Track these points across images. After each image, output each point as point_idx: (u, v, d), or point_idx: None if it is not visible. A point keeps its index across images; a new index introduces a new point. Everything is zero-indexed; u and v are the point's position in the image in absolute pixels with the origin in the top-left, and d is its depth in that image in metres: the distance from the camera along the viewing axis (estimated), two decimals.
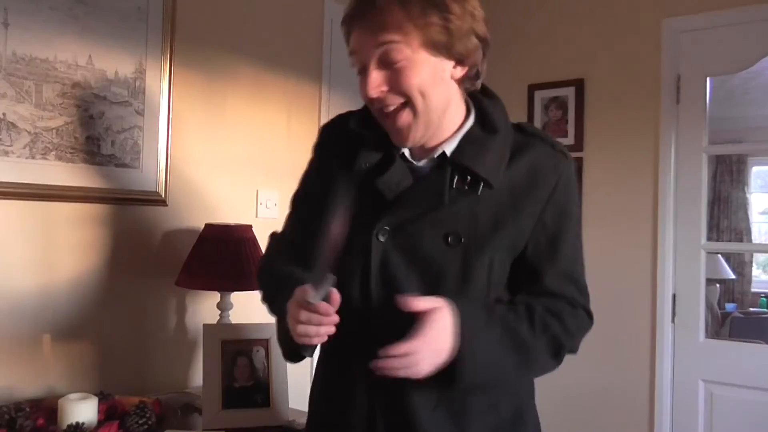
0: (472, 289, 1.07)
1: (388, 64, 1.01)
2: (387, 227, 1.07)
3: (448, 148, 1.08)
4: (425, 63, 1.01)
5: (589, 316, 1.15)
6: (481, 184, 1.05)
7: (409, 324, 0.99)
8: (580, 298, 1.14)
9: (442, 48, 1.01)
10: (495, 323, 1.04)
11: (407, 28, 0.99)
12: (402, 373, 0.97)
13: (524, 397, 1.17)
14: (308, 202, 1.22)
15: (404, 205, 1.07)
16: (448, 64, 1.03)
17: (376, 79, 1.02)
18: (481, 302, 1.07)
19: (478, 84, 1.12)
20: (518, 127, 1.14)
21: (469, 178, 1.06)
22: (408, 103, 1.03)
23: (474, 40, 1.04)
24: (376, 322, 1.08)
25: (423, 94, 1.02)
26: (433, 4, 0.98)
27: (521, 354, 1.06)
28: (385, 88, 1.02)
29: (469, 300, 1.05)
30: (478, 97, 1.13)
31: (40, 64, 1.71)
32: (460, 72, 1.05)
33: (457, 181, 1.06)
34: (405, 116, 1.04)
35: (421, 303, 0.98)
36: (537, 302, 1.10)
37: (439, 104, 1.04)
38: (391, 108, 1.04)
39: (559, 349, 1.10)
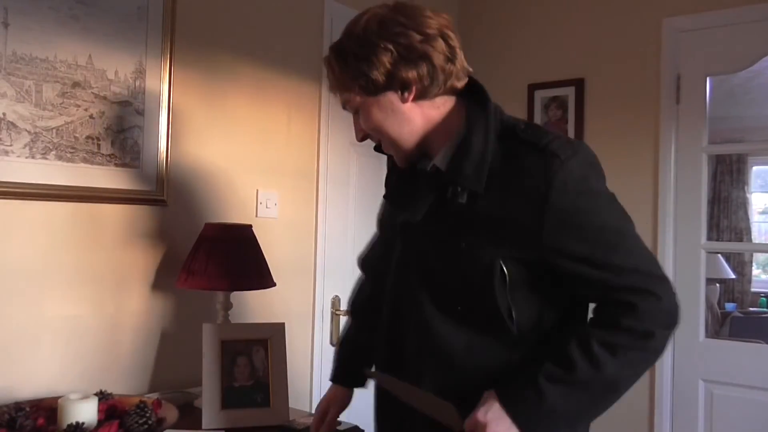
0: (474, 292, 1.12)
1: (354, 113, 1.20)
2: (401, 225, 1.25)
3: (438, 160, 1.18)
4: (372, 105, 1.16)
5: (659, 296, 1.06)
6: (466, 193, 1.12)
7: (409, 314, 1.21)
8: (641, 284, 1.06)
9: (379, 88, 1.13)
10: (545, 391, 1.05)
11: (348, 85, 1.16)
12: None
13: None
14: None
15: (409, 209, 1.23)
16: (392, 96, 1.14)
17: (356, 127, 1.22)
18: (524, 379, 1.08)
19: (456, 81, 1.16)
20: (512, 132, 1.14)
21: (457, 187, 1.13)
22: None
23: (408, 69, 1.11)
24: (390, 308, 1.28)
25: (379, 130, 1.18)
26: (352, 63, 1.13)
27: (595, 396, 1.07)
28: (362, 133, 1.22)
29: (513, 384, 1.09)
30: (471, 106, 1.18)
31: (40, 63, 1.71)
32: (409, 95, 1.14)
33: (445, 190, 1.15)
34: (385, 146, 1.22)
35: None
36: (589, 328, 1.09)
37: (399, 130, 1.17)
38: (377, 142, 1.23)
39: (639, 356, 1.07)
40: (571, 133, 2.89)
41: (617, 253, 1.07)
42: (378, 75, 1.11)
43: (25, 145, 1.68)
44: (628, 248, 1.09)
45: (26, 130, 1.68)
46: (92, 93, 1.82)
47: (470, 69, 1.18)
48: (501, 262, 1.09)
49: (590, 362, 1.05)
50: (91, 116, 1.82)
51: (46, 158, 1.72)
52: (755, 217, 6.55)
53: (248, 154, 2.26)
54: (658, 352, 1.08)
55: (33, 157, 1.70)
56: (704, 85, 2.64)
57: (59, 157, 1.75)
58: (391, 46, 1.10)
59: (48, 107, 1.73)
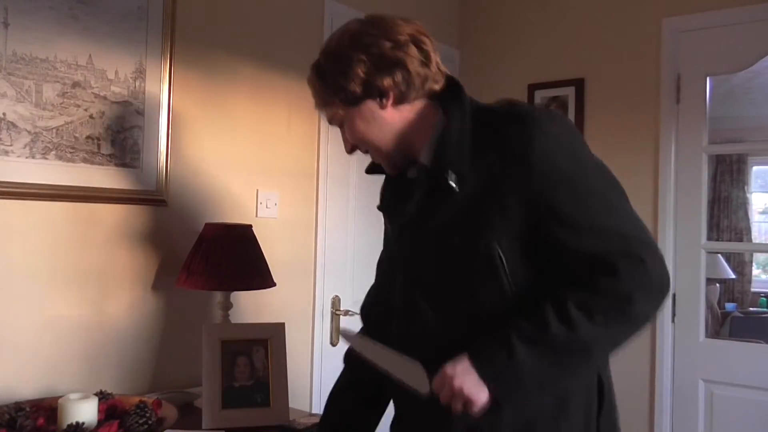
0: (479, 285, 1.11)
1: (340, 126, 1.23)
2: (396, 231, 1.27)
3: (423, 158, 1.18)
4: (354, 116, 1.19)
5: (642, 259, 1.03)
6: (454, 177, 1.12)
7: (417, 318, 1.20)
8: (624, 247, 1.04)
9: (358, 99, 1.17)
10: (515, 349, 1.03)
11: (330, 100, 1.20)
12: (457, 405, 1.06)
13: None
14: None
15: (399, 214, 1.25)
16: (371, 104, 1.17)
17: (344, 140, 1.25)
18: (497, 338, 1.06)
19: (433, 84, 1.18)
20: (489, 111, 1.15)
21: (444, 174, 1.13)
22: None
23: (383, 77, 1.14)
24: (398, 320, 1.26)
25: (363, 139, 1.21)
26: (329, 78, 1.17)
27: (565, 358, 1.05)
28: (350, 145, 1.25)
29: (485, 342, 1.07)
30: (445, 99, 1.19)
31: (40, 63, 1.71)
32: (387, 101, 1.17)
33: (434, 184, 1.14)
34: (373, 154, 1.25)
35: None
36: (567, 290, 1.05)
37: (382, 136, 1.19)
38: (366, 153, 1.25)
39: (617, 320, 1.04)
40: None
41: (601, 216, 1.05)
42: (355, 86, 1.15)
43: (25, 145, 1.68)
44: (613, 211, 1.07)
45: (26, 130, 1.68)
46: (92, 93, 1.82)
47: (446, 70, 1.21)
48: (497, 247, 1.08)
49: (564, 323, 1.02)
50: (91, 116, 1.82)
51: (46, 158, 1.72)
52: (755, 217, 6.54)
53: (248, 154, 2.26)
54: (637, 319, 1.05)
55: (33, 157, 1.70)
56: (704, 85, 2.64)
57: (59, 157, 1.75)
58: (364, 57, 1.14)
59: (48, 107, 1.73)
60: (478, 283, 1.11)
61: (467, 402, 1.05)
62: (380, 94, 1.16)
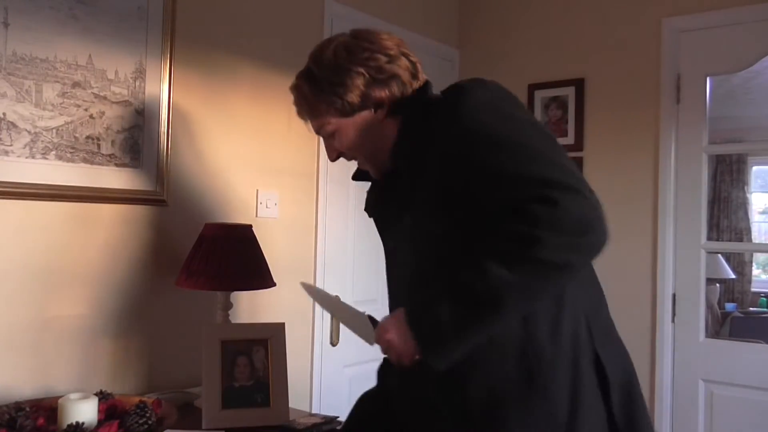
0: (436, 256, 1.15)
1: (329, 136, 1.28)
2: (379, 229, 1.35)
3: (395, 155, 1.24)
4: (347, 126, 1.24)
5: (555, 201, 0.98)
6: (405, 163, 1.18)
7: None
8: (539, 191, 1.00)
9: (355, 109, 1.22)
10: (435, 299, 1.06)
11: (321, 110, 1.25)
12: (393, 357, 1.13)
13: (533, 332, 1.10)
14: None
15: (373, 212, 1.36)
16: (366, 114, 1.23)
17: (329, 149, 1.30)
18: (422, 295, 1.11)
19: (415, 85, 1.25)
20: (435, 97, 1.21)
21: (399, 163, 1.21)
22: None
23: (381, 89, 1.21)
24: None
25: (356, 148, 1.26)
26: (327, 89, 1.22)
27: (478, 305, 1.03)
28: (336, 153, 1.30)
29: (417, 297, 1.13)
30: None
31: (40, 63, 1.71)
32: (383, 111, 1.23)
33: (401, 180, 1.21)
34: (360, 162, 1.31)
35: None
36: (487, 241, 1.04)
37: (372, 144, 1.25)
38: (351, 159, 1.31)
39: (526, 265, 1.00)
40: (571, 134, 2.89)
41: (521, 166, 1.03)
42: (353, 97, 1.21)
43: (25, 145, 1.68)
44: (534, 159, 1.04)
45: (26, 130, 1.68)
46: (92, 93, 1.82)
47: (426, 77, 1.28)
48: (439, 214, 1.12)
49: (474, 272, 1.02)
50: (91, 116, 1.82)
51: (46, 158, 1.72)
52: (755, 217, 6.55)
53: (248, 154, 2.26)
54: (549, 263, 1.00)
55: (33, 157, 1.70)
56: (704, 85, 2.64)
57: (59, 157, 1.75)
58: (362, 70, 1.20)
59: (48, 107, 1.73)
60: (435, 254, 1.15)
61: (398, 354, 1.11)
62: (376, 105, 1.22)
